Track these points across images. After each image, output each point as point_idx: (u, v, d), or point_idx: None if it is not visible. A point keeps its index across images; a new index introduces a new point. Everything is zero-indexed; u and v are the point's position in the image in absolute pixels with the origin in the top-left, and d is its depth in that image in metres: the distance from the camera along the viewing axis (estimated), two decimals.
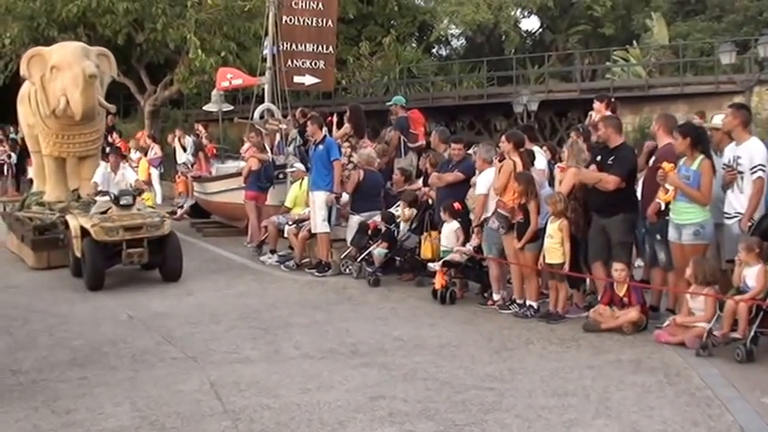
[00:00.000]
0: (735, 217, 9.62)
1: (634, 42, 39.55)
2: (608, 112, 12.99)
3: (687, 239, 9.62)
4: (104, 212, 13.80)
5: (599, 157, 10.51)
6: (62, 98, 15.12)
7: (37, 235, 15.48)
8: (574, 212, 10.48)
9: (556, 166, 11.46)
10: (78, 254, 13.68)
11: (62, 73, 15.12)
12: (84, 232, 13.42)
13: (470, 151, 12.90)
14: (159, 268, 13.93)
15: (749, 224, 9.38)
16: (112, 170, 15.09)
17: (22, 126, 18.73)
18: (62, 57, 15.39)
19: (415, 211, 13.20)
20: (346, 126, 17.26)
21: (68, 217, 14.28)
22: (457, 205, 12.01)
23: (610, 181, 10.13)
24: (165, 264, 13.81)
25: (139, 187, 15.17)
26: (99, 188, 14.52)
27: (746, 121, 9.86)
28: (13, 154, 30.32)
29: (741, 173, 9.56)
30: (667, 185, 9.63)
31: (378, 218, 13.62)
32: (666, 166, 9.58)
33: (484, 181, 11.50)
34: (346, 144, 16.34)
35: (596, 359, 8.89)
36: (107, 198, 14.11)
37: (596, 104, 13.46)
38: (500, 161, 11.38)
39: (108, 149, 17.08)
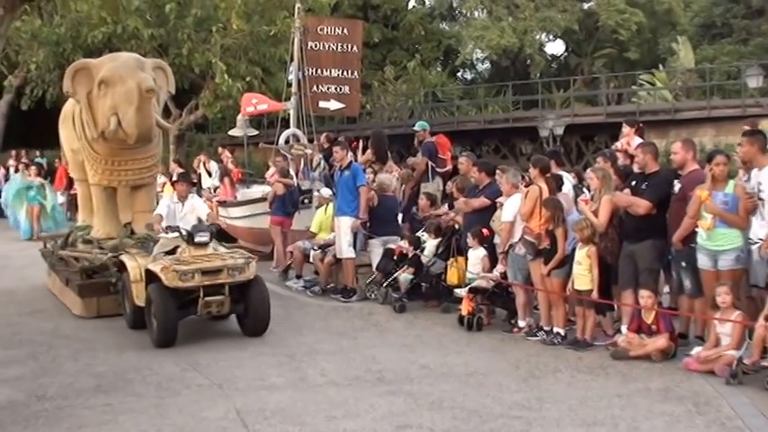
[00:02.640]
0: (757, 244, 9.49)
1: (660, 66, 39.44)
2: (636, 137, 12.96)
3: (727, 265, 9.46)
4: (171, 252, 11.64)
5: (633, 183, 10.46)
6: (113, 118, 12.86)
7: (85, 278, 13.25)
8: (611, 241, 10.39)
9: (579, 199, 11.34)
10: (139, 302, 11.52)
11: (113, 88, 12.88)
12: (150, 276, 11.30)
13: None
14: (239, 320, 11.76)
15: None
16: (180, 200, 13.29)
17: (64, 151, 16.27)
18: (113, 70, 13.06)
19: (439, 239, 13.16)
20: (368, 152, 17.28)
21: (125, 258, 12.23)
22: (486, 231, 11.97)
23: (641, 205, 10.07)
24: (247, 314, 11.53)
25: (214, 221, 13.30)
26: (164, 222, 12.61)
27: (764, 146, 9.76)
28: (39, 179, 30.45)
29: (762, 199, 9.44)
30: (705, 213, 9.50)
31: (403, 243, 13.59)
32: (702, 194, 9.44)
33: (510, 208, 11.44)
34: (369, 170, 16.34)
35: (625, 387, 8.79)
36: (175, 235, 11.88)
37: (625, 129, 13.40)
38: (526, 187, 11.33)
39: (175, 176, 14.87)
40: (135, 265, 11.85)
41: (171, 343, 10.93)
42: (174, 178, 14.31)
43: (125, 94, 12.75)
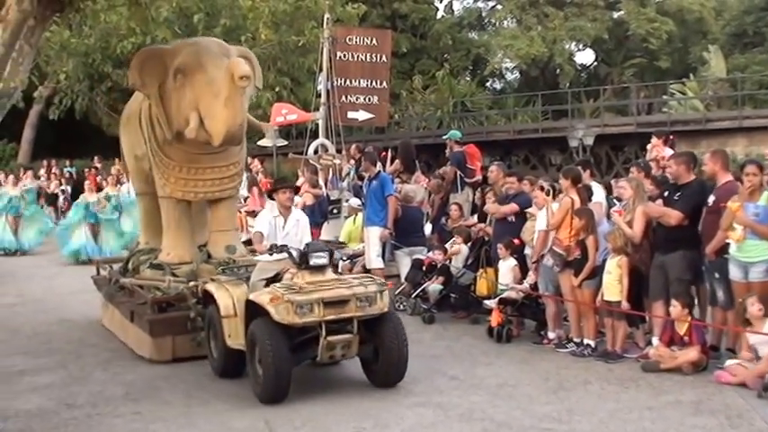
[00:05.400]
0: None
1: (691, 75, 39.27)
2: (666, 148, 12.87)
3: (758, 277, 9.34)
4: (273, 279, 9.37)
5: (666, 193, 10.38)
6: (193, 114, 10.53)
7: (156, 312, 10.81)
8: (644, 251, 10.30)
9: (612, 210, 11.24)
10: (233, 343, 9.34)
11: (192, 78, 10.64)
12: (252, 310, 8.98)
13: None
14: (365, 365, 9.43)
15: None
16: (281, 214, 10.25)
17: (126, 159, 13.10)
18: (192, 55, 10.83)
19: (463, 248, 13.10)
20: (396, 163, 17.26)
21: (212, 287, 9.83)
22: (518, 240, 11.92)
23: (672, 216, 9.97)
24: (378, 359, 9.15)
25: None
26: (265, 241, 9.94)
27: None
28: (68, 187, 30.61)
29: None
30: (736, 225, 9.39)
31: (432, 253, 13.56)
32: (733, 206, 9.34)
33: (545, 216, 11.34)
34: (397, 180, 16.31)
35: (656, 400, 8.70)
36: (282, 256, 9.30)
37: (654, 140, 13.34)
38: (553, 197, 11.25)
39: (275, 185, 11.15)
40: (226, 295, 9.58)
41: (283, 396, 8.70)
42: (275, 186, 11.13)
43: (208, 85, 10.50)
